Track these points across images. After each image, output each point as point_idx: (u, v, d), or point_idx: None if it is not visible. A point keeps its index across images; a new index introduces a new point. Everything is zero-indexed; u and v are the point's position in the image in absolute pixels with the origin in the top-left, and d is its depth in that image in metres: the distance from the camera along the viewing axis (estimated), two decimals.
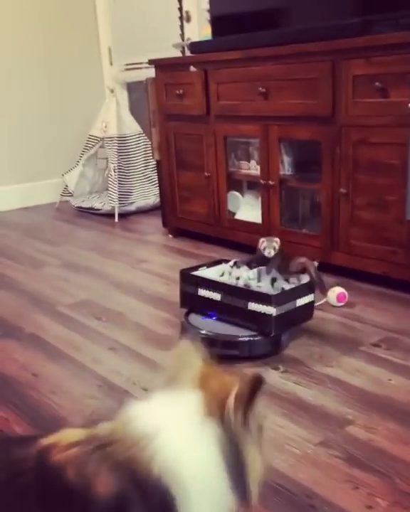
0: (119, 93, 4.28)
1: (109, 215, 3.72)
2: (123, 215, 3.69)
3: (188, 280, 2.01)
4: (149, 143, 3.87)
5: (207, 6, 3.15)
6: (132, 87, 4.35)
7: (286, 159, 2.58)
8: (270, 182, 2.58)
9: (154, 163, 3.86)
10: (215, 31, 2.93)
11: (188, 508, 0.75)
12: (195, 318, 1.95)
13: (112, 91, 3.83)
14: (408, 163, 2.03)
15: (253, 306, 1.81)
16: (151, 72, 3.86)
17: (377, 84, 2.08)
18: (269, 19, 2.67)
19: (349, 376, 1.68)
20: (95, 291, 2.49)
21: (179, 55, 3.70)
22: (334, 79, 2.22)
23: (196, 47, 2.87)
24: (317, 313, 2.01)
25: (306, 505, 1.19)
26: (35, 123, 4.15)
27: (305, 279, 1.92)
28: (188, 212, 3.07)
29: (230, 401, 0.78)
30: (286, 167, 2.58)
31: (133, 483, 0.74)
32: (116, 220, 3.63)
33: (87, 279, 2.63)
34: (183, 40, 3.75)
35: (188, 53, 3.67)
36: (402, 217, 2.13)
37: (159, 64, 3.02)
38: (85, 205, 3.89)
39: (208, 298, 1.93)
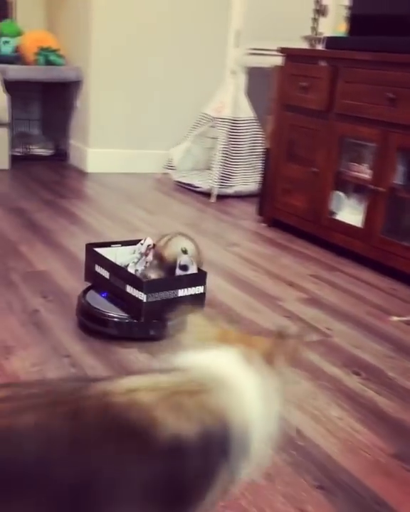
0: (238, 76, 4.30)
1: (207, 194, 3.78)
2: (220, 197, 3.74)
3: (90, 254, 2.00)
4: (260, 129, 3.89)
5: (347, 3, 3.11)
6: (251, 72, 4.37)
7: (400, 169, 2.54)
8: (380, 188, 2.55)
9: (261, 150, 3.88)
10: (352, 29, 2.89)
11: (250, 448, 0.82)
12: (92, 294, 1.94)
13: (234, 73, 3.86)
14: None
15: (129, 289, 1.83)
16: (275, 60, 3.86)
17: None
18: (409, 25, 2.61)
19: None
20: None
21: (307, 47, 3.68)
22: None
23: (331, 42, 2.85)
24: (403, 327, 1.98)
25: (373, 511, 1.20)
26: (153, 93, 4.25)
27: (194, 269, 1.90)
28: (287, 205, 3.08)
29: (265, 353, 0.88)
30: (399, 176, 2.54)
31: (202, 428, 0.77)
32: (212, 200, 3.68)
33: None
34: (314, 33, 3.73)
35: (317, 47, 3.65)
36: None
37: (289, 53, 3.02)
38: (185, 180, 3.96)
39: (102, 275, 1.95)
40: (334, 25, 3.57)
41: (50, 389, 0.79)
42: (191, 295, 1.88)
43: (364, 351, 1.89)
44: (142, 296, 1.79)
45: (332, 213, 2.85)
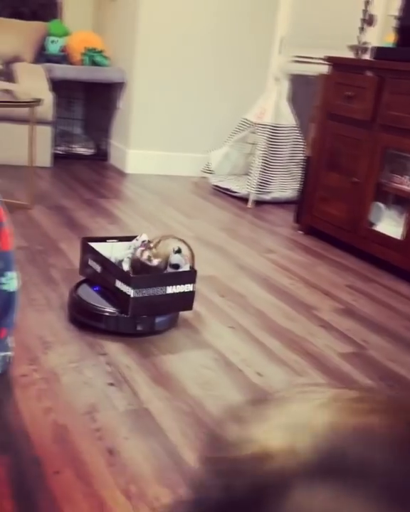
0: (281, 83, 4.30)
1: (243, 199, 3.78)
2: (257, 203, 3.74)
3: (84, 248, 2.02)
4: (301, 137, 3.88)
5: (396, 13, 3.08)
6: (294, 80, 4.36)
7: None
8: None
9: (300, 157, 3.87)
10: (400, 40, 2.87)
11: None
12: (84, 288, 1.95)
13: (277, 80, 3.86)
14: None
15: (118, 283, 1.84)
16: (319, 68, 3.85)
17: None
18: None
19: None
20: (221, 269, 2.56)
21: (352, 56, 3.66)
22: None
23: (379, 52, 2.83)
24: None
25: None
26: (195, 97, 4.28)
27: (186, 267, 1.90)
28: (325, 213, 3.06)
29: None
30: None
31: None
32: (249, 205, 3.69)
33: (215, 256, 2.71)
34: (360, 42, 3.70)
35: (362, 57, 3.62)
36: None
37: (335, 62, 3.01)
38: (222, 185, 3.97)
39: (94, 269, 1.96)
40: (382, 35, 3.54)
41: (391, 397, 0.81)
42: (180, 293, 1.89)
43: (400, 365, 1.87)
44: (130, 292, 1.80)
45: (371, 224, 2.83)
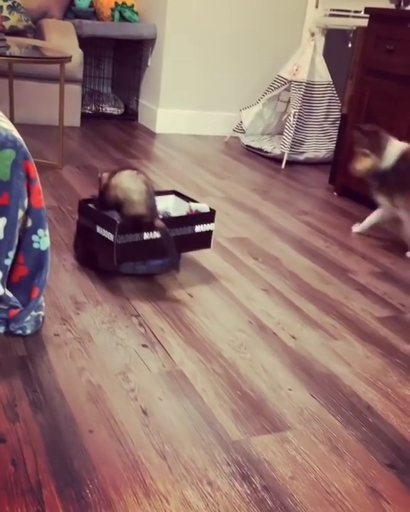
0: (317, 38, 4.13)
1: (276, 160, 3.69)
2: (289, 163, 3.65)
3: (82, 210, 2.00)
4: (336, 94, 3.74)
5: None
6: (329, 34, 4.19)
7: None
8: None
9: (336, 116, 3.74)
10: None
11: None
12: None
13: (312, 35, 3.70)
14: None
15: (99, 229, 1.87)
16: (356, 22, 3.68)
17: None
18: None
19: None
20: (254, 231, 2.50)
21: (392, 7, 3.47)
22: None
23: None
24: None
25: None
26: (227, 54, 4.14)
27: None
28: None
29: None
30: None
31: None
32: (282, 166, 3.59)
33: (247, 218, 2.65)
34: None
35: (404, 8, 3.43)
36: None
37: (375, 14, 2.86)
38: (254, 144, 3.88)
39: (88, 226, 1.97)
40: None
41: None
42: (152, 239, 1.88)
43: None
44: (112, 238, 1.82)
45: None
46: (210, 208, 2.03)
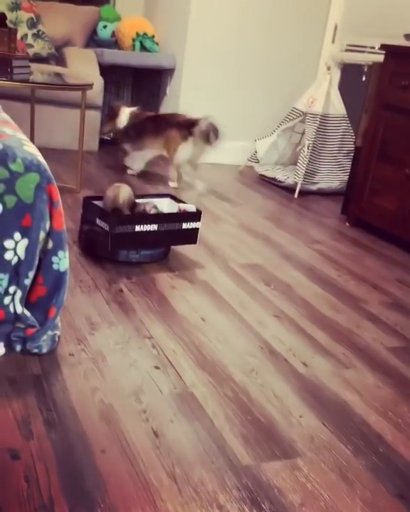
0: (333, 72, 4.22)
1: (289, 189, 3.73)
2: (303, 193, 3.69)
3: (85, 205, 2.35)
4: (350, 127, 3.80)
5: None
6: (345, 69, 4.27)
7: None
8: None
9: (349, 148, 3.80)
10: None
11: None
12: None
13: (328, 68, 3.78)
14: None
15: (97, 221, 2.21)
16: (372, 57, 3.76)
17: None
18: None
19: None
20: (266, 258, 2.53)
21: (408, 45, 3.55)
22: None
23: None
24: None
25: None
26: (244, 85, 4.23)
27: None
28: (375, 205, 3.00)
29: None
30: None
31: None
32: (296, 195, 3.64)
33: (260, 245, 2.69)
34: None
35: None
36: None
37: (391, 50, 2.93)
38: (268, 174, 3.93)
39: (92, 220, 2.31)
40: None
41: None
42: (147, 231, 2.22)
43: None
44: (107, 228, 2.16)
45: None
46: (196, 209, 2.36)
